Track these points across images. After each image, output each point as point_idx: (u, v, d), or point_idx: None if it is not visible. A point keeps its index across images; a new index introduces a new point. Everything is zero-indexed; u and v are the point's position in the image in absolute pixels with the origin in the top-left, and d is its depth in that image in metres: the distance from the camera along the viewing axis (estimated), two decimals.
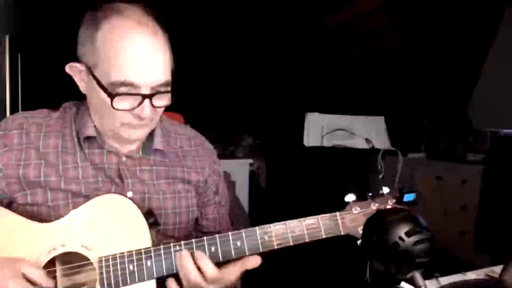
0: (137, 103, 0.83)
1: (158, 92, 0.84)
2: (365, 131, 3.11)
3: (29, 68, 3.19)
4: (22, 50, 3.02)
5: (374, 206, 0.90)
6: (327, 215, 0.89)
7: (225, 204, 1.11)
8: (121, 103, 0.82)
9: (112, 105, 0.81)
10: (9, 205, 0.88)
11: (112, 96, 0.81)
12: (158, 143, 0.98)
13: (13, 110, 2.70)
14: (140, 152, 0.97)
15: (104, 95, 0.83)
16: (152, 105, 0.84)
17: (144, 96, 0.83)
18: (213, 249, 0.84)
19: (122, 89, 0.82)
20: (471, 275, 1.08)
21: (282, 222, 0.88)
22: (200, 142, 1.08)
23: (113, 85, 0.81)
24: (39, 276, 0.78)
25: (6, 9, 2.72)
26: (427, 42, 3.85)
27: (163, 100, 0.87)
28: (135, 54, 0.81)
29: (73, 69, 0.88)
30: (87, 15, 0.86)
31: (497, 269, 1.03)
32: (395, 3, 3.68)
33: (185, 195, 1.00)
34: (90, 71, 0.84)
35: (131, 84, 0.81)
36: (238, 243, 0.85)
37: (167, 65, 0.85)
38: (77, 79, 0.89)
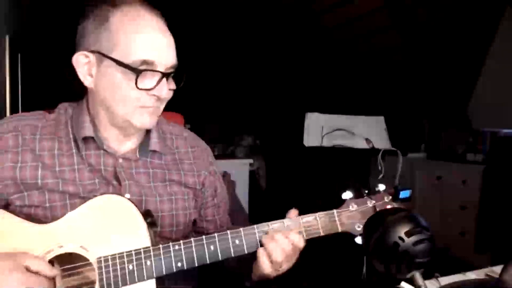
0: (155, 82, 0.85)
1: (171, 73, 0.88)
2: (365, 131, 3.10)
3: (29, 68, 3.19)
4: (22, 50, 3.02)
5: (370, 203, 0.91)
6: (324, 212, 0.90)
7: (225, 204, 1.11)
8: (141, 82, 0.84)
9: (136, 83, 0.83)
10: (6, 207, 0.88)
11: (137, 71, 0.83)
12: (154, 144, 0.98)
13: (13, 110, 2.69)
14: (137, 154, 0.97)
15: (121, 78, 0.84)
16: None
17: (163, 74, 0.85)
18: (212, 247, 0.84)
19: (143, 67, 0.84)
20: (471, 275, 1.07)
21: (280, 220, 0.89)
22: (196, 143, 1.08)
23: (133, 64, 0.83)
24: (42, 265, 0.78)
25: (6, 9, 2.72)
26: (427, 42, 3.84)
27: (172, 84, 0.90)
28: (152, 35, 0.85)
29: (80, 61, 0.88)
30: (90, 9, 0.88)
31: (497, 269, 1.03)
32: (396, 3, 3.67)
33: (182, 198, 0.99)
34: (105, 56, 0.84)
35: (151, 63, 0.84)
36: (237, 242, 0.86)
37: (175, 48, 0.89)
38: (82, 72, 0.89)
